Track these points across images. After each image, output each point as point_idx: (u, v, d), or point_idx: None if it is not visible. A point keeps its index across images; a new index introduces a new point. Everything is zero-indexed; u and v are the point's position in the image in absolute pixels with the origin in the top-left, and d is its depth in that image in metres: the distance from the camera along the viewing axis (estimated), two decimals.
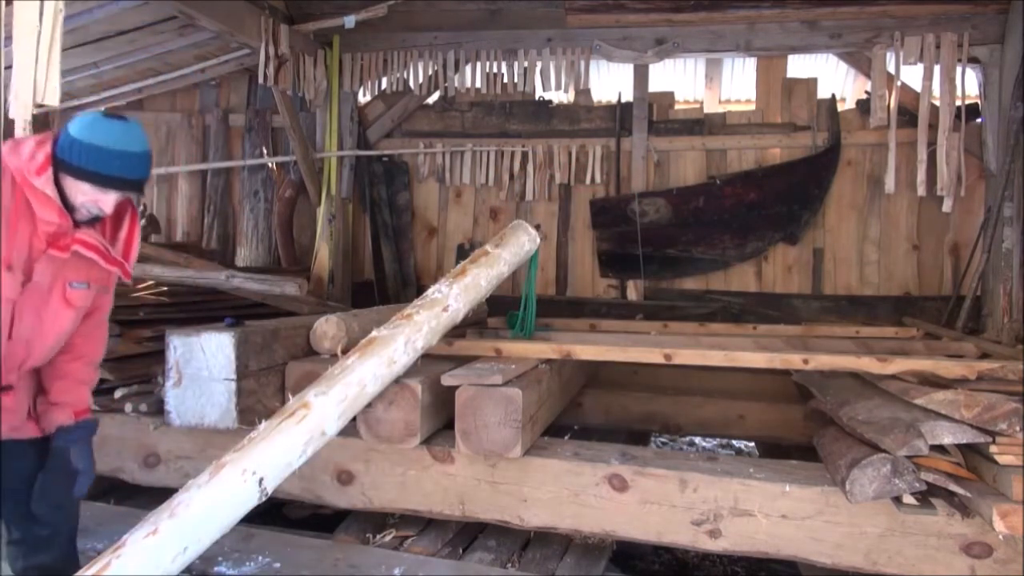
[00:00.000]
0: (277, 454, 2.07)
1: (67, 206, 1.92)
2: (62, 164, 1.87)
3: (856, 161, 5.72)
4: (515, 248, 3.17)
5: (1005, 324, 4.85)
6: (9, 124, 2.83)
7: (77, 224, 1.95)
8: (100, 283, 2.10)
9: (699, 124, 5.98)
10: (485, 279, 2.93)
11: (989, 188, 5.21)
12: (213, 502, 1.92)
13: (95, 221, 1.99)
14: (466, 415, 2.65)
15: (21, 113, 2.64)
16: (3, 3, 2.72)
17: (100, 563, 1.78)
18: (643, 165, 5.95)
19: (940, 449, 2.35)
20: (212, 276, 3.92)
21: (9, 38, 2.77)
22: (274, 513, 3.43)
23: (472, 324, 4.23)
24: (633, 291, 5.97)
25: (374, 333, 2.57)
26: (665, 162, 6.02)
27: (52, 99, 2.66)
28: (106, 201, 1.92)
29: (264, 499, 2.05)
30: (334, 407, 2.25)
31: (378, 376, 2.45)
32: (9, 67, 2.80)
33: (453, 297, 2.78)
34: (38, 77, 2.63)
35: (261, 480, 2.01)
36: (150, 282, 3.95)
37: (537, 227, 3.60)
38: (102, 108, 1.93)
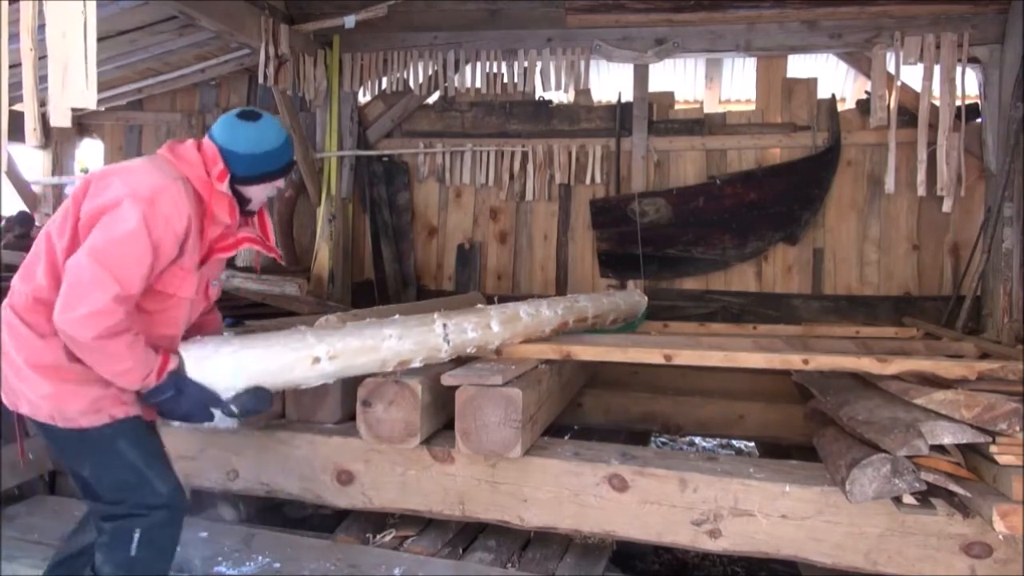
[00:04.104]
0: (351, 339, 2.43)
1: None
2: (242, 177, 2.11)
3: (856, 161, 5.72)
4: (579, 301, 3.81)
5: (1005, 324, 4.85)
6: (12, 123, 2.83)
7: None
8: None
9: (699, 124, 5.98)
10: (547, 308, 3.38)
11: (989, 188, 5.21)
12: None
13: (250, 215, 2.24)
14: (466, 415, 2.65)
15: (60, 119, 2.62)
16: (4, 3, 2.71)
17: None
18: (643, 165, 5.95)
19: (940, 449, 2.35)
20: None
21: (14, 36, 2.76)
22: (274, 513, 3.43)
23: None
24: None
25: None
26: (665, 162, 6.02)
27: (90, 102, 2.64)
28: (281, 184, 2.25)
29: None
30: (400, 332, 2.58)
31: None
32: (14, 65, 2.79)
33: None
34: (71, 79, 2.60)
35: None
36: None
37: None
38: (234, 112, 2.18)
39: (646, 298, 4.74)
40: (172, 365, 2.03)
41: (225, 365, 2.12)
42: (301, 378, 2.31)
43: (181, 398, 2.03)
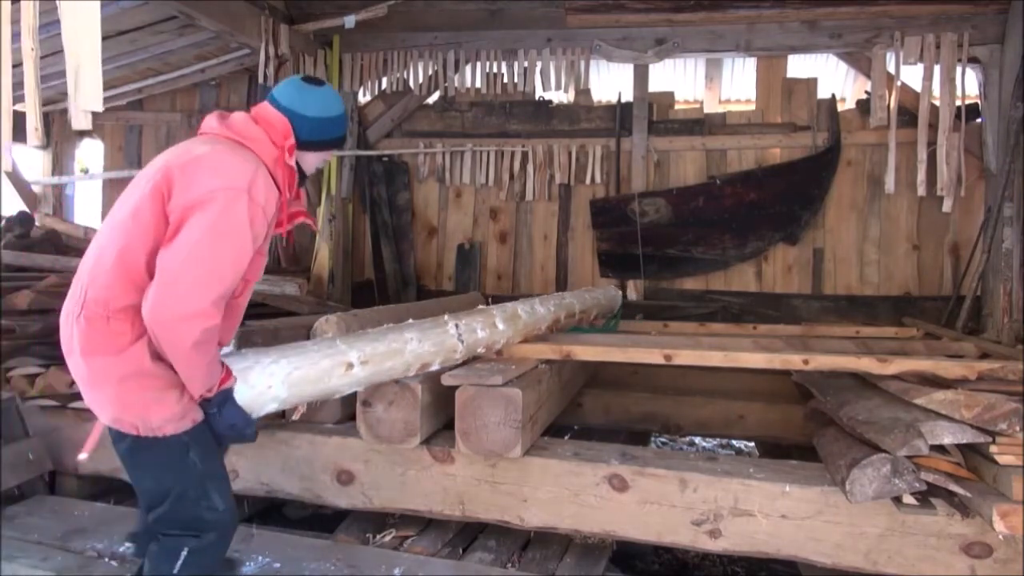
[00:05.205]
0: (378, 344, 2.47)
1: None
2: (306, 143, 2.04)
3: (856, 161, 5.72)
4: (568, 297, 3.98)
5: (1005, 324, 4.85)
6: (13, 123, 2.82)
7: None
8: None
9: (699, 124, 5.98)
10: (540, 305, 3.50)
11: (989, 188, 5.21)
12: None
13: (300, 186, 2.17)
14: (466, 415, 2.64)
15: (81, 122, 2.59)
16: (6, 2, 2.71)
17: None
18: (643, 165, 5.95)
19: (940, 449, 2.35)
20: None
21: (16, 36, 2.76)
22: (274, 513, 3.43)
23: None
24: (633, 291, 5.97)
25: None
26: (665, 162, 6.02)
27: (97, 105, 2.61)
28: (329, 156, 2.20)
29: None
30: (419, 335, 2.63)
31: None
32: (16, 65, 2.79)
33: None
34: (83, 83, 2.58)
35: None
36: None
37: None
38: (297, 77, 2.12)
39: (620, 292, 5.06)
40: (229, 383, 1.98)
41: (269, 375, 2.10)
42: (337, 385, 2.30)
43: (220, 417, 1.97)
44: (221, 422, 1.98)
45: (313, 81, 2.09)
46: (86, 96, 2.57)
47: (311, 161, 2.13)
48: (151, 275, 1.83)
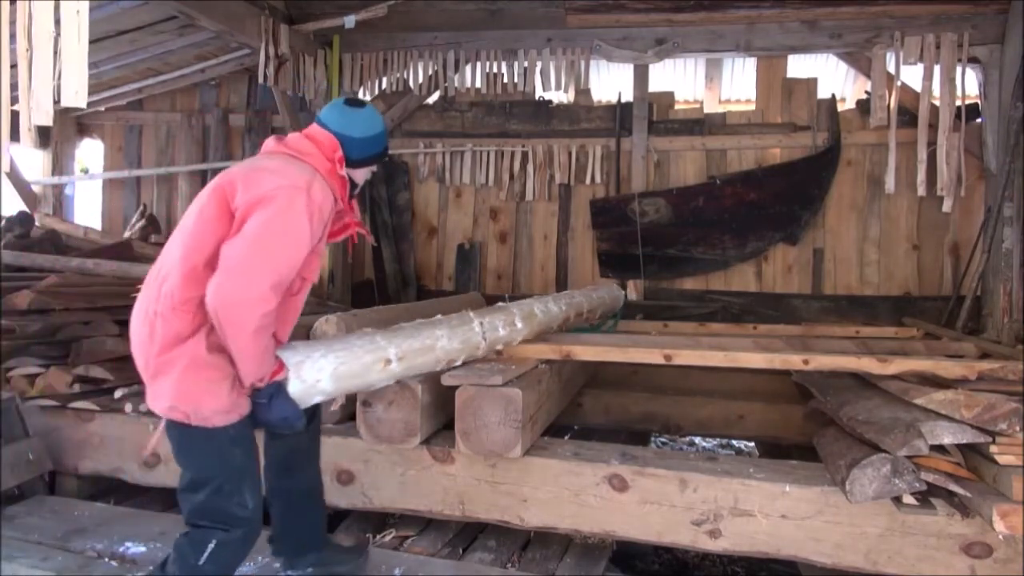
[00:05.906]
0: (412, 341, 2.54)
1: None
2: (354, 161, 2.21)
3: (856, 161, 5.72)
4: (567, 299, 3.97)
5: (1005, 324, 4.86)
6: (13, 123, 2.82)
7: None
8: None
9: (699, 124, 5.98)
10: (553, 303, 3.60)
11: (989, 188, 5.21)
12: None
13: (351, 199, 2.31)
14: (466, 415, 2.65)
15: (42, 119, 2.61)
16: (5, 3, 2.70)
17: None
18: (643, 165, 5.95)
19: (940, 449, 2.35)
20: None
21: (12, 36, 2.75)
22: None
23: None
24: (633, 291, 5.97)
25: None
26: (665, 162, 6.02)
27: (79, 100, 2.63)
28: (375, 168, 2.37)
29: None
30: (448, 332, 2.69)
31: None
32: (14, 65, 2.78)
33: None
34: (63, 79, 2.59)
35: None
36: None
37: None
38: (341, 98, 2.36)
39: (623, 292, 5.11)
40: (281, 375, 2.06)
41: (318, 369, 2.16)
42: (375, 380, 2.38)
43: (270, 408, 2.04)
44: (272, 414, 2.05)
45: (355, 103, 2.27)
46: (66, 93, 2.59)
47: (360, 176, 2.31)
48: (212, 271, 1.92)
